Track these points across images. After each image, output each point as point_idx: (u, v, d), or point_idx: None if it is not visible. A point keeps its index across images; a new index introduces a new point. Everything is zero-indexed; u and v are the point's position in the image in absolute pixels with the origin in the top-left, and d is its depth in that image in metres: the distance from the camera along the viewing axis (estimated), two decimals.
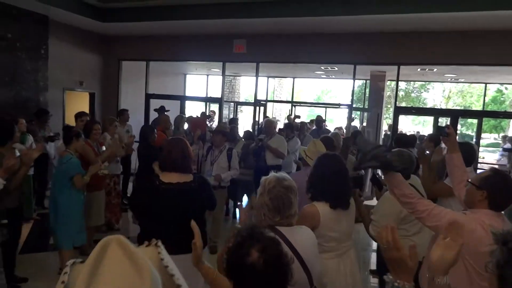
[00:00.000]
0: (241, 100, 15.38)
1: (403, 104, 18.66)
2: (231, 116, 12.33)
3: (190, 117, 7.80)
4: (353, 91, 8.46)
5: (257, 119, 9.19)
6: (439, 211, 1.95)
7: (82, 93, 8.83)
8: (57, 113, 7.34)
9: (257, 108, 9.22)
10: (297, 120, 9.52)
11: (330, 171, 2.30)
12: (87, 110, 8.05)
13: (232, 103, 13.58)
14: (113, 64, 9.07)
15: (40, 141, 4.90)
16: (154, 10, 7.10)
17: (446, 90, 21.62)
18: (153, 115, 7.95)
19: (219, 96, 8.85)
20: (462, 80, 12.45)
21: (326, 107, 13.35)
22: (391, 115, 9.94)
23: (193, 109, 11.04)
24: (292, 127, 6.66)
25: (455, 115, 8.10)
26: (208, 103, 11.08)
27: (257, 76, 8.46)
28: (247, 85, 15.24)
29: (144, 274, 0.62)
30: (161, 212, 2.48)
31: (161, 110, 7.26)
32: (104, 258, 0.63)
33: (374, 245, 4.52)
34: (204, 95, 12.59)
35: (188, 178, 2.56)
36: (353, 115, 9.21)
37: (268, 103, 12.03)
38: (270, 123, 6.06)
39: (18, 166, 3.15)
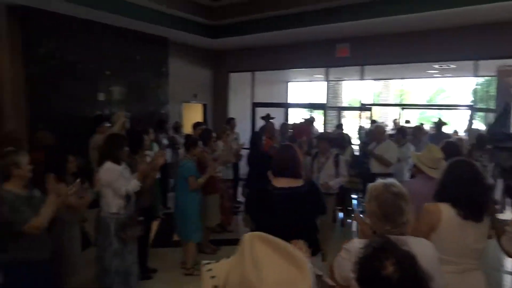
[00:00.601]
0: (344, 104, 14.96)
1: None
2: (335, 122, 12.11)
3: (295, 123, 7.90)
4: (474, 90, 7.55)
5: (362, 124, 8.85)
6: None
7: (196, 104, 9.72)
8: None
9: (362, 112, 8.89)
10: (407, 125, 8.85)
11: (465, 178, 2.08)
12: (200, 120, 8.82)
13: (335, 109, 13.33)
14: (223, 76, 9.77)
15: (164, 149, 5.52)
16: (259, 23, 7.45)
17: None
18: (259, 123, 8.28)
19: (322, 102, 8.79)
20: None
21: (440, 109, 12.18)
22: None
23: (295, 116, 11.17)
24: (404, 132, 6.16)
25: None
26: (311, 109, 11.09)
27: (362, 79, 8.17)
28: (350, 89, 14.77)
29: (303, 268, 0.65)
30: (274, 216, 2.55)
31: (267, 117, 7.52)
32: (256, 252, 0.68)
33: (509, 265, 3.92)
34: (306, 102, 12.62)
35: (299, 183, 2.59)
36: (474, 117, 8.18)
37: (374, 107, 11.48)
38: (377, 129, 5.75)
39: (148, 170, 3.62)
